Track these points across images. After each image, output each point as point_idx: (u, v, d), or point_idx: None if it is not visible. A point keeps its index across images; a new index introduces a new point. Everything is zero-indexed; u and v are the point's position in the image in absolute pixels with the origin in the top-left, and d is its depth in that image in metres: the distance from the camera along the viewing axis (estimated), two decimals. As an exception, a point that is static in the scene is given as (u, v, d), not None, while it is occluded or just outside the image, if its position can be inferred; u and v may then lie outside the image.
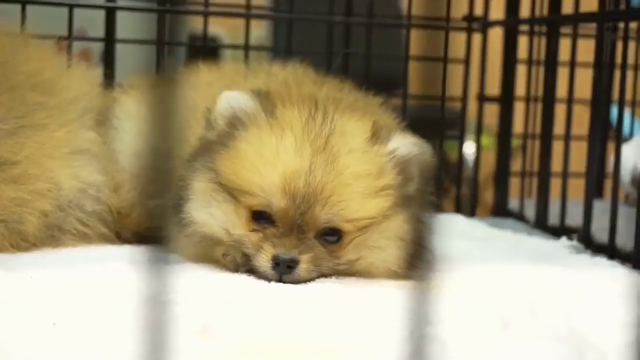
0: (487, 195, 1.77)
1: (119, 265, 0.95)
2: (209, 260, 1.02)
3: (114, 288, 0.86)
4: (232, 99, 1.00)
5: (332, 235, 0.96)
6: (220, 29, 2.51)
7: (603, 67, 1.32)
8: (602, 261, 1.18)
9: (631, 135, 1.70)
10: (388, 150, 0.98)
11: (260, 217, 0.97)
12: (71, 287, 0.89)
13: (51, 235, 1.11)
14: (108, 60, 1.43)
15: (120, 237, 1.19)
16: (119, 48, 1.44)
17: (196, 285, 0.92)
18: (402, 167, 0.99)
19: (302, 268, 0.94)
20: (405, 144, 0.99)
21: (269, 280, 0.95)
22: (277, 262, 0.94)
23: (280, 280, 0.95)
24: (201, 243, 1.01)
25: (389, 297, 0.88)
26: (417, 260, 1.01)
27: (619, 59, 1.26)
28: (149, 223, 1.16)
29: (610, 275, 1.04)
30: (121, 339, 0.70)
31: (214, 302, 0.86)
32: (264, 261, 0.95)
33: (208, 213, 0.99)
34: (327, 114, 0.99)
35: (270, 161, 0.95)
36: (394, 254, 0.98)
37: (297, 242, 0.95)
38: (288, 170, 0.94)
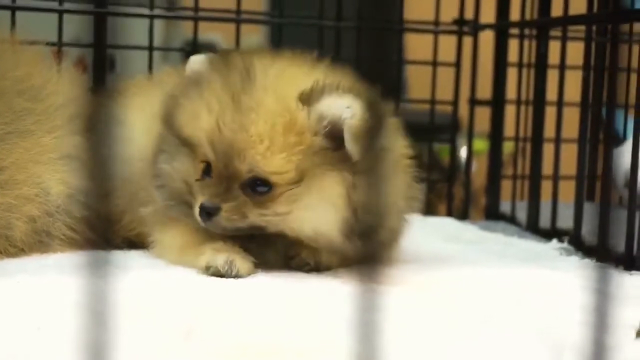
0: (483, 202, 1.77)
1: (107, 271, 0.95)
2: (192, 267, 1.02)
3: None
4: (194, 62, 1.07)
5: (262, 186, 0.98)
6: (218, 35, 2.51)
7: (593, 69, 1.31)
8: (590, 263, 1.17)
9: (625, 137, 1.69)
10: (314, 109, 0.96)
11: (208, 170, 1.01)
12: (58, 292, 0.89)
13: (39, 240, 1.11)
14: (98, 66, 1.43)
15: (110, 242, 1.19)
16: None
17: (172, 288, 0.94)
18: (332, 128, 0.95)
19: (223, 216, 0.98)
20: (337, 105, 0.95)
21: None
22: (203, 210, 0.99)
23: (206, 227, 1.00)
24: (185, 250, 1.04)
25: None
26: (363, 233, 0.97)
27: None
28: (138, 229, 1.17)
29: (596, 276, 1.04)
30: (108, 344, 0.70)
31: (190, 305, 0.87)
32: (196, 208, 0.99)
33: (172, 166, 1.05)
34: (254, 72, 0.99)
35: (198, 116, 1.00)
36: (327, 217, 0.97)
37: (222, 191, 0.98)
38: (208, 125, 0.98)
